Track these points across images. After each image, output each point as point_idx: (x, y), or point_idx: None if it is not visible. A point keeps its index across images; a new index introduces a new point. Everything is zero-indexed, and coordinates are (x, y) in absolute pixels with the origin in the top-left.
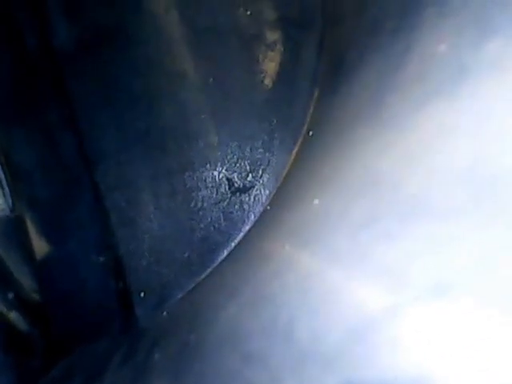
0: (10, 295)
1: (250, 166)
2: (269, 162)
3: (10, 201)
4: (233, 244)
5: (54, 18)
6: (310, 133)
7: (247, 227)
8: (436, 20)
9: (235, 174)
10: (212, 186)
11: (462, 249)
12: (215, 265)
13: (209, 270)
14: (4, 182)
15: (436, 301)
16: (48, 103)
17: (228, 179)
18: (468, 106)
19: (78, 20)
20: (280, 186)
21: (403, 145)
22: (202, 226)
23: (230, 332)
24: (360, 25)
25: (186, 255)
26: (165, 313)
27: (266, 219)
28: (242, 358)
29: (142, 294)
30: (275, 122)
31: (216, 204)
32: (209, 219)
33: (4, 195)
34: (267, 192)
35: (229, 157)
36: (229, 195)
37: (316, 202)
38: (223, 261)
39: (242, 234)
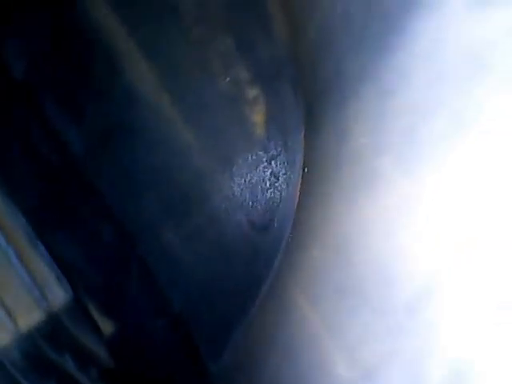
0: (93, 371)
1: (264, 206)
2: (280, 199)
3: (69, 289)
4: (265, 285)
5: (64, 128)
6: (306, 169)
7: (276, 263)
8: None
9: (254, 216)
10: (238, 232)
11: None
12: (252, 311)
13: (248, 317)
14: (60, 275)
15: None
16: (81, 203)
17: (249, 221)
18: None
19: (85, 124)
20: (293, 221)
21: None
22: (237, 271)
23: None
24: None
25: (229, 303)
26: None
27: (286, 259)
28: None
29: (207, 346)
30: (275, 165)
31: (246, 245)
32: (241, 263)
33: (62, 286)
34: (286, 226)
35: (244, 203)
36: (254, 234)
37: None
38: (256, 307)
39: (272, 273)
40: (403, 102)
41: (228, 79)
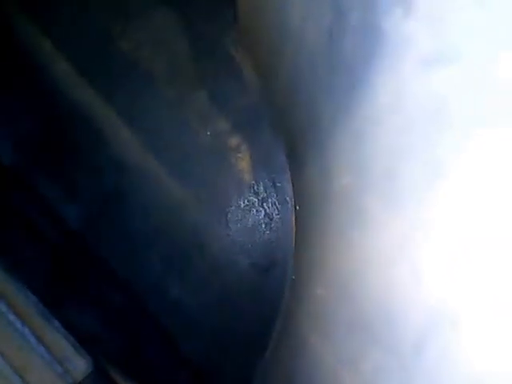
0: None
1: (263, 247)
2: (277, 238)
3: (89, 357)
4: (274, 326)
5: (59, 205)
6: (297, 207)
7: (282, 303)
8: None
9: (255, 259)
10: (242, 276)
11: None
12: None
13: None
14: (77, 346)
15: None
16: (87, 272)
17: (251, 264)
18: None
19: (79, 198)
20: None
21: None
22: (245, 315)
23: None
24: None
25: (242, 347)
26: None
27: (293, 298)
28: None
29: None
30: (268, 206)
31: (250, 288)
32: (248, 306)
33: (81, 357)
34: (287, 264)
35: (243, 248)
36: (257, 276)
37: None
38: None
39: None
40: (378, 146)
41: (208, 132)
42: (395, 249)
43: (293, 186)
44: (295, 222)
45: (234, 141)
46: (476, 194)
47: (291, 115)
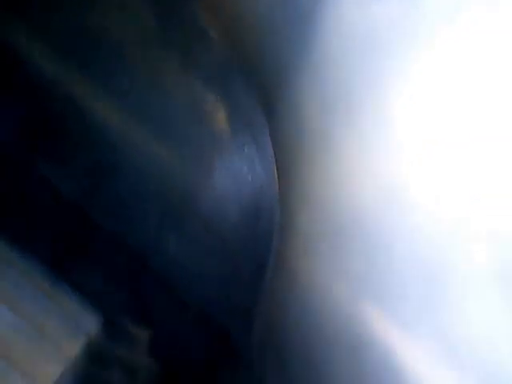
0: (142, 379)
1: (250, 195)
2: (262, 186)
3: (100, 313)
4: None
5: (58, 182)
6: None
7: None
8: None
9: (244, 206)
10: (234, 224)
11: None
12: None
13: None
14: (88, 304)
15: None
16: (90, 238)
17: (241, 212)
18: None
19: (74, 173)
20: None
21: None
22: (242, 260)
23: None
24: None
25: (243, 289)
26: None
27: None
28: None
29: (234, 332)
30: (249, 155)
31: (244, 234)
32: (244, 251)
33: (92, 312)
34: (274, 210)
35: (232, 197)
36: (248, 223)
37: None
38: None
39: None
40: (336, 80)
41: (183, 92)
42: (358, 166)
43: (270, 134)
44: (276, 168)
45: (209, 98)
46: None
47: (260, 68)
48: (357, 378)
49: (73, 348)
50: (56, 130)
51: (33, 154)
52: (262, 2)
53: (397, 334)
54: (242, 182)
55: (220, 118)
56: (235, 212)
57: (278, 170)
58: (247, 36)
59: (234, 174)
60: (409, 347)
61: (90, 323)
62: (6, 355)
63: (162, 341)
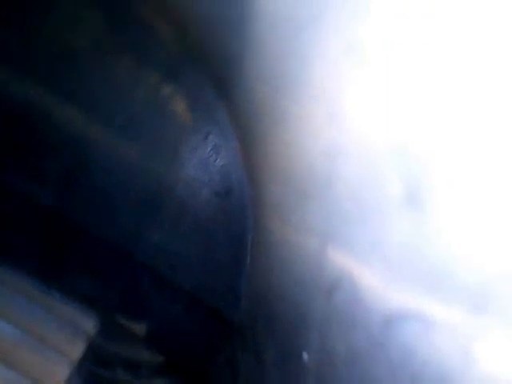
0: (144, 371)
1: (219, 174)
2: (228, 164)
3: (94, 314)
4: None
5: (33, 190)
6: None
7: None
8: None
9: (215, 186)
10: (209, 204)
11: None
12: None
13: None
14: (75, 307)
15: None
16: (73, 242)
17: (213, 192)
18: None
19: (47, 178)
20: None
21: None
22: (221, 236)
23: None
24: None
25: (226, 264)
26: None
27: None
28: None
29: (225, 304)
30: (213, 139)
31: (219, 212)
32: (221, 227)
33: (87, 314)
34: (243, 185)
35: (203, 179)
36: (221, 201)
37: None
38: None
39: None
40: (283, 53)
41: (141, 89)
42: (309, 137)
43: (227, 114)
44: (239, 146)
45: (166, 90)
46: None
47: (212, 57)
48: (330, 313)
49: (75, 351)
50: (20, 140)
51: (3, 168)
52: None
53: (355, 266)
54: (210, 165)
55: (180, 109)
56: (207, 193)
57: (241, 148)
58: (197, 31)
59: (201, 159)
60: (364, 275)
61: (88, 325)
62: (15, 366)
63: (160, 332)
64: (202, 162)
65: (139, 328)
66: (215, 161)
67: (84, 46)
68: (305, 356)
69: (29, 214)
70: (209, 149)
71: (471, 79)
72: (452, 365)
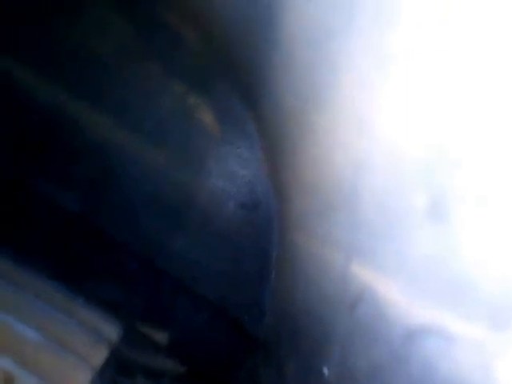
0: (165, 381)
1: (246, 187)
2: (255, 177)
3: (117, 321)
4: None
5: (60, 197)
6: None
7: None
8: None
9: (242, 198)
10: (235, 217)
11: None
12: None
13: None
14: (105, 314)
15: None
16: (98, 248)
17: (239, 204)
18: None
19: (75, 185)
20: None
21: None
22: (247, 250)
23: None
24: None
25: (251, 277)
26: None
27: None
28: None
29: (248, 318)
30: (240, 150)
31: (245, 225)
32: (247, 241)
33: (110, 322)
34: (270, 198)
35: (229, 191)
36: (248, 214)
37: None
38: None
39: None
40: (310, 63)
41: (169, 99)
42: (338, 149)
43: (255, 126)
44: (266, 158)
45: (193, 100)
46: None
47: (240, 66)
48: (352, 328)
49: (97, 357)
50: (48, 145)
51: (32, 173)
52: (231, 6)
53: (378, 280)
54: (237, 176)
55: (208, 119)
56: (234, 205)
57: (268, 160)
58: (223, 36)
59: (228, 170)
60: (387, 288)
61: (111, 332)
62: (36, 370)
63: (182, 341)
64: (229, 173)
65: (162, 336)
66: (243, 173)
67: (110, 51)
68: (325, 371)
69: (54, 218)
70: (236, 160)
71: (501, 92)
72: (473, 381)
